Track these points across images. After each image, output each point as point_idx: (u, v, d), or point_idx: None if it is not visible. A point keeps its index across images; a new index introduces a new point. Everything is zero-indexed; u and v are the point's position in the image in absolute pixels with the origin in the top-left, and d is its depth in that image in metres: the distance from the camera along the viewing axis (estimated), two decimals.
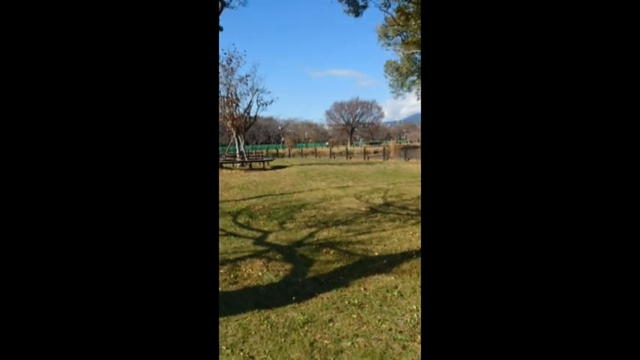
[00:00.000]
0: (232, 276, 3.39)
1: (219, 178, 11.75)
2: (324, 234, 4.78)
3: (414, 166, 15.84)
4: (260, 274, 3.44)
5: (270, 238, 4.64)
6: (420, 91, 19.54)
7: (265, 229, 5.14)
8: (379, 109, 70.11)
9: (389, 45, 17.51)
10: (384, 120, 76.91)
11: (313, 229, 5.02)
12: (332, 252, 4.01)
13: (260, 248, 4.22)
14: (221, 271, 3.50)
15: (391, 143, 48.35)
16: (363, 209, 6.38)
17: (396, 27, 15.87)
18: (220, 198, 7.85)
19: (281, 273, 3.46)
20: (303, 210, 6.42)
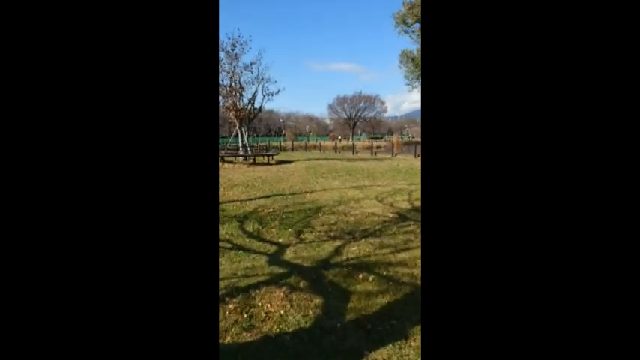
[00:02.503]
0: (246, 315, 2.52)
1: (221, 173, 10.86)
2: (353, 249, 3.91)
3: None
4: (282, 312, 2.57)
5: (289, 255, 3.76)
6: None
7: (280, 240, 4.27)
8: (382, 103, 68.98)
9: (406, 32, 16.44)
10: (385, 115, 75.75)
11: (338, 242, 4.15)
12: (371, 278, 3.14)
13: (277, 270, 3.35)
14: (231, 306, 2.64)
15: (394, 138, 47.83)
16: (390, 215, 5.51)
17: (416, 10, 14.78)
18: (224, 198, 6.98)
19: (310, 311, 2.59)
20: (320, 215, 5.55)
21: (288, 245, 4.07)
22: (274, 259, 3.65)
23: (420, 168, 12.74)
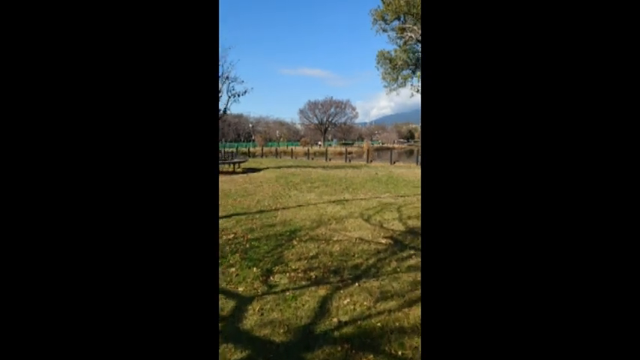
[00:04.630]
0: None
1: None
2: (344, 303, 2.75)
3: (408, 171, 14.14)
4: None
5: (251, 319, 2.53)
6: (413, 86, 17.91)
7: (240, 289, 3.03)
8: (353, 109, 68.94)
9: (384, 31, 15.61)
10: (355, 121, 75.89)
11: (322, 291, 2.98)
12: None
13: (232, 355, 2.12)
14: None
15: (365, 144, 47.83)
16: (383, 241, 4.41)
17: (394, 6, 13.94)
18: None
19: None
20: (295, 242, 4.35)
21: (251, 299, 2.84)
22: (229, 329, 2.41)
23: (401, 176, 11.87)
